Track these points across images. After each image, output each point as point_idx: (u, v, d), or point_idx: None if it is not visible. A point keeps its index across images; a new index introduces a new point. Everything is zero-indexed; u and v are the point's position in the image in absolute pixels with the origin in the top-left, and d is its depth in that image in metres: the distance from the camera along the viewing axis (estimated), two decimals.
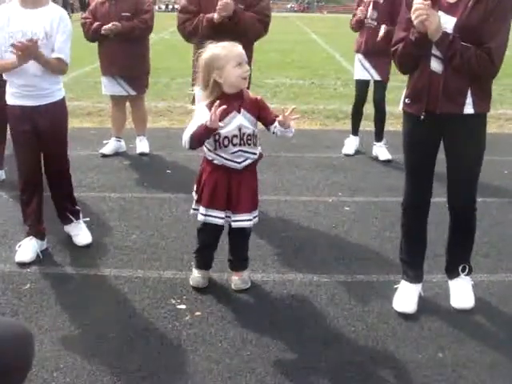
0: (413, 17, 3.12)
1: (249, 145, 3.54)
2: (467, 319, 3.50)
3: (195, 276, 3.86)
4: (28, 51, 3.66)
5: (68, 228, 4.47)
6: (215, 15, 4.56)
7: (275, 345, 3.23)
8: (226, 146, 3.50)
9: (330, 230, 4.74)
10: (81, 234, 4.44)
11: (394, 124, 8.14)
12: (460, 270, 3.68)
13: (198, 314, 3.52)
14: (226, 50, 3.44)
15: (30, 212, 4.19)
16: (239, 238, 3.80)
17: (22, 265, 4.05)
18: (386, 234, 4.60)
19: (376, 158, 6.73)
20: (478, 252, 4.22)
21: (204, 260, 3.87)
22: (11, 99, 4.00)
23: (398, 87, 9.48)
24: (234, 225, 3.63)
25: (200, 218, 3.64)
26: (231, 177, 3.57)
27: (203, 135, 3.39)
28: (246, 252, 3.88)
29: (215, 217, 3.60)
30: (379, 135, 6.76)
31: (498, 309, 3.63)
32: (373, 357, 3.17)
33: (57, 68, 3.94)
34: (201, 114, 3.45)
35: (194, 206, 3.73)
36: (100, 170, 6.18)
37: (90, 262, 4.13)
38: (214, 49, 3.47)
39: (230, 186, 3.57)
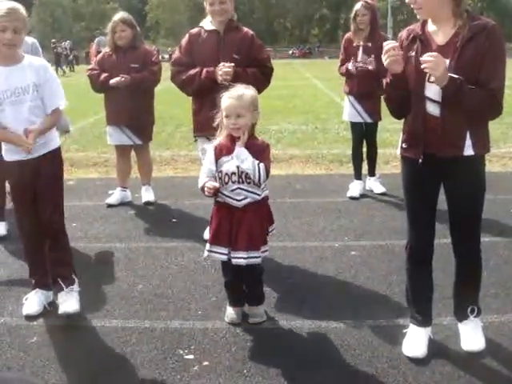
0: (383, 58, 3.17)
1: (248, 183, 3.71)
2: (478, 362, 3.45)
3: (229, 313, 3.99)
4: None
5: (58, 296, 4.15)
6: (218, 77, 4.70)
7: None
8: (226, 183, 3.72)
9: (336, 275, 4.72)
10: (68, 301, 4.07)
11: (398, 166, 8.16)
12: (469, 312, 3.63)
13: (205, 363, 3.49)
14: (230, 99, 3.69)
15: (35, 266, 4.18)
16: (247, 273, 3.90)
17: (29, 318, 4.03)
18: (393, 277, 4.57)
19: (372, 192, 6.98)
20: (487, 293, 4.19)
21: (233, 296, 4.01)
22: (8, 155, 3.99)
23: (400, 129, 9.43)
24: (232, 261, 3.78)
25: (205, 253, 3.85)
26: (233, 215, 3.75)
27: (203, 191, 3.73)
28: (257, 288, 3.99)
29: (218, 253, 3.78)
30: (372, 170, 7.11)
31: (510, 350, 3.58)
32: None
33: (57, 119, 4.02)
34: (208, 157, 3.78)
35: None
36: (106, 220, 6.19)
37: (97, 314, 4.11)
38: (227, 95, 3.72)
39: (232, 224, 3.75)
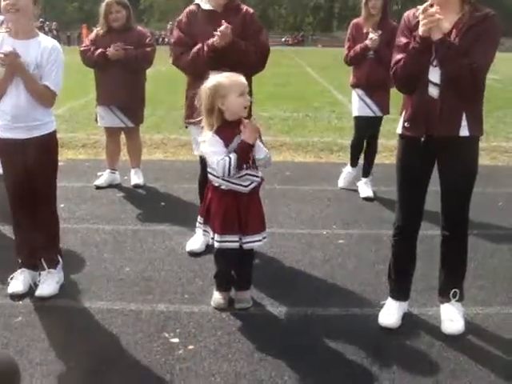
0: (422, 22, 3.23)
1: (253, 168, 3.72)
2: (463, 353, 3.47)
3: (216, 298, 3.97)
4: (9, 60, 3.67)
5: (40, 276, 4.15)
6: (215, 39, 4.34)
7: (269, 379, 3.19)
8: None
9: (324, 262, 4.72)
10: (45, 283, 4.07)
11: (388, 156, 8.18)
12: (451, 295, 3.73)
13: (191, 347, 3.48)
14: (230, 79, 3.64)
15: (22, 245, 4.15)
16: (246, 258, 3.94)
17: (15, 297, 4.01)
18: (380, 266, 4.57)
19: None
20: (473, 285, 4.22)
21: (224, 282, 4.00)
22: (1, 132, 3.92)
23: (394, 120, 9.54)
24: (245, 246, 3.77)
25: (216, 245, 3.78)
26: (240, 201, 3.73)
27: (246, 154, 3.62)
28: (250, 272, 4.01)
29: (230, 241, 3.75)
30: (368, 170, 6.65)
31: (494, 342, 3.59)
32: None
33: (43, 95, 3.85)
34: (216, 142, 3.64)
35: (211, 236, 3.84)
36: (94, 202, 6.16)
37: (83, 295, 4.09)
38: (219, 78, 3.65)
39: (239, 210, 3.73)
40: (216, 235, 3.75)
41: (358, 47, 6.19)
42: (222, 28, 4.32)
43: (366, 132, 6.57)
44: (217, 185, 3.74)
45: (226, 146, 3.63)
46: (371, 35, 6.06)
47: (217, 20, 4.42)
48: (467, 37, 3.28)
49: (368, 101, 6.35)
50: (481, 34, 3.27)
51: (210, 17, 4.52)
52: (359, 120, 6.53)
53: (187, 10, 4.70)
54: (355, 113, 6.54)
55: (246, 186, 3.71)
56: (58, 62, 3.89)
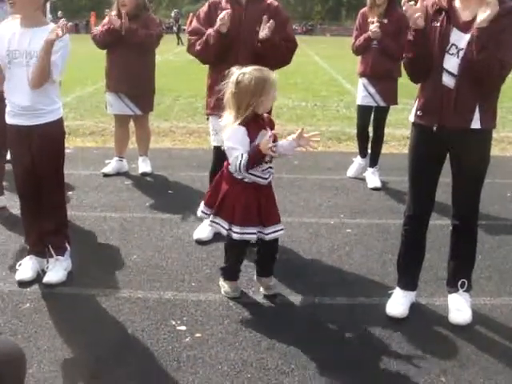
0: (408, 15, 3.27)
1: (272, 161, 3.75)
2: (470, 343, 3.47)
3: (230, 287, 3.97)
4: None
5: (46, 262, 4.17)
6: (221, 27, 4.32)
7: (275, 367, 3.20)
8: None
9: (331, 252, 4.72)
10: (53, 270, 4.09)
11: (397, 146, 8.16)
12: (459, 285, 3.73)
13: (198, 335, 3.49)
14: (272, 74, 3.63)
15: (30, 232, 4.16)
16: (272, 248, 3.93)
17: (22, 284, 4.02)
18: (387, 256, 4.57)
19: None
20: (481, 275, 4.21)
21: (233, 272, 3.99)
22: (8, 118, 3.94)
23: (402, 109, 9.42)
24: (268, 237, 3.77)
25: (235, 236, 3.73)
26: (260, 193, 3.74)
27: (258, 160, 3.60)
28: (274, 262, 4.02)
29: (250, 233, 3.74)
30: (374, 160, 6.62)
31: (501, 333, 3.59)
32: (375, 380, 3.14)
33: (44, 75, 3.77)
34: (240, 136, 3.60)
35: (226, 227, 3.76)
36: (102, 190, 6.17)
37: (90, 282, 4.10)
38: (262, 73, 3.60)
39: (260, 202, 3.74)
40: (236, 227, 3.70)
41: (362, 37, 6.23)
42: (221, 16, 4.32)
43: (368, 121, 6.60)
44: (240, 177, 3.70)
45: (253, 139, 3.61)
46: (371, 26, 6.08)
47: (240, 11, 4.45)
48: (489, 27, 3.19)
49: (372, 90, 6.36)
50: (505, 28, 3.21)
51: (234, 8, 4.48)
52: (361, 109, 6.59)
53: (210, 1, 4.66)
54: (358, 101, 6.61)
55: (266, 179, 3.73)
56: (57, 48, 3.77)
